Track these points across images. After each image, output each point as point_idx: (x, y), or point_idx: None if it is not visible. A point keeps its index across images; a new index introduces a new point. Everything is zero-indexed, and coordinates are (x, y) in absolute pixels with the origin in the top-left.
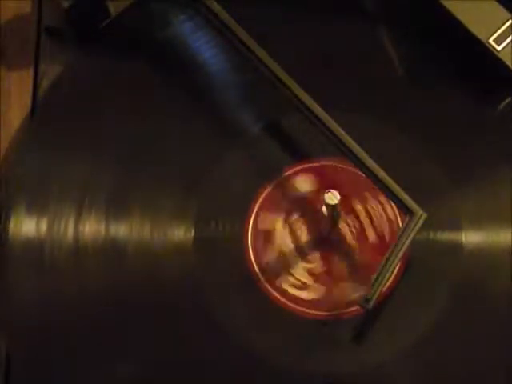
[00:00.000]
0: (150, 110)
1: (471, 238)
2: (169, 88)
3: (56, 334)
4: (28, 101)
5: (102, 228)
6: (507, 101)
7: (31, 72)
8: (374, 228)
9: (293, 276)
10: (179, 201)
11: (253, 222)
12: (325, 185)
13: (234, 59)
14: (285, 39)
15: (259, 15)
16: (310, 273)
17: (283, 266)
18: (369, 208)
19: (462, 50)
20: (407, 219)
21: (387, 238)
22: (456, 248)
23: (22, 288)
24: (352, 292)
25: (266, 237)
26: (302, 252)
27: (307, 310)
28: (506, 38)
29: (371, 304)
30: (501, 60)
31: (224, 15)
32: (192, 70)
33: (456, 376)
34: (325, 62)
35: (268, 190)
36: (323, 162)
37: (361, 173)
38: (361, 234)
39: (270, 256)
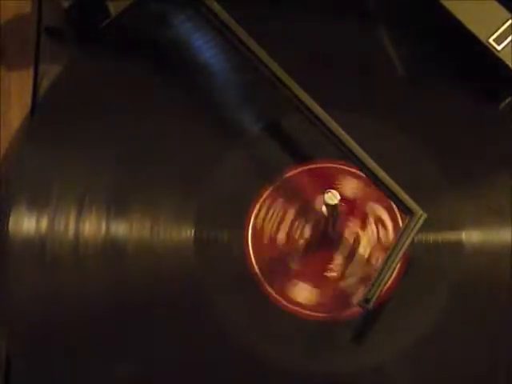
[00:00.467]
0: (150, 110)
1: (471, 237)
2: (169, 88)
3: (56, 333)
4: (28, 101)
5: (103, 228)
6: (507, 101)
7: (31, 72)
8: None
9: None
10: (179, 201)
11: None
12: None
13: (234, 59)
14: (285, 39)
15: (259, 15)
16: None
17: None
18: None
19: (462, 50)
20: (407, 219)
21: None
22: (456, 248)
23: (23, 287)
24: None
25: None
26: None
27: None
28: (506, 38)
29: (371, 304)
30: (501, 60)
31: (224, 15)
32: (192, 70)
33: (456, 376)
34: (325, 62)
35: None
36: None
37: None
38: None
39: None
